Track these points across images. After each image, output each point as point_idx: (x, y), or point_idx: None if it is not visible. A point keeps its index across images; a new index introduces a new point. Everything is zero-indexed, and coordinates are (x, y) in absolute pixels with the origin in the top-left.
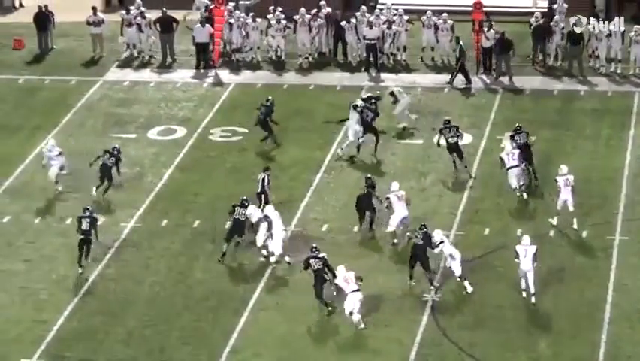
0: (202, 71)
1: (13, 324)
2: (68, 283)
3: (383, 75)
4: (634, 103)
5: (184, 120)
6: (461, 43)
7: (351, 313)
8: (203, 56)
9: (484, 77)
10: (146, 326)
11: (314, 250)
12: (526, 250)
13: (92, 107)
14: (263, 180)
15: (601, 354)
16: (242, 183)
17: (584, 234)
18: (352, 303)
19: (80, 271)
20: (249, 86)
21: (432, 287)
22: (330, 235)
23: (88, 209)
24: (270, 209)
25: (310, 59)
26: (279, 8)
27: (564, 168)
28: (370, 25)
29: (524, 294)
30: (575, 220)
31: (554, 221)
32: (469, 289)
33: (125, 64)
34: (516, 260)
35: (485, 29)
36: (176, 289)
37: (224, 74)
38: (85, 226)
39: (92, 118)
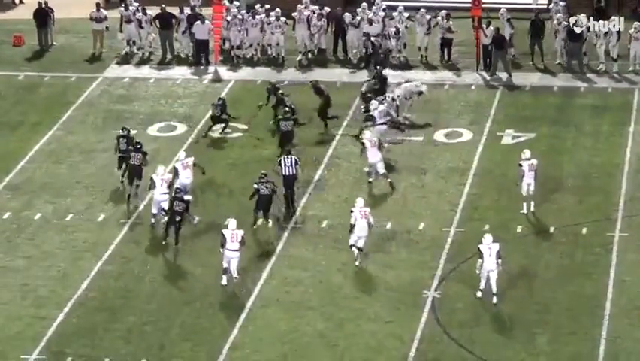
0: (202, 67)
1: (13, 321)
2: (68, 280)
3: (384, 72)
4: (634, 99)
5: (184, 117)
6: (372, 40)
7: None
8: (204, 53)
9: (484, 73)
10: (146, 323)
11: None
12: (490, 249)
13: (92, 103)
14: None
15: (601, 351)
16: (242, 179)
17: (584, 230)
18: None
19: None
20: (249, 82)
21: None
22: (330, 231)
23: (126, 128)
24: None
25: (309, 55)
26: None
27: (527, 153)
28: (370, 21)
29: (479, 294)
30: (532, 203)
31: (524, 209)
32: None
33: (125, 60)
34: (479, 260)
35: (484, 26)
36: (176, 285)
37: (224, 71)
38: (123, 146)
39: (92, 114)
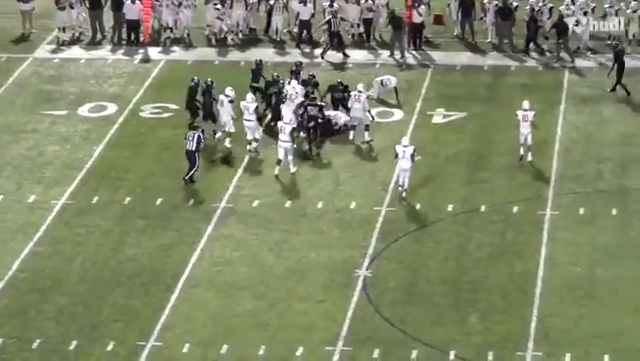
0: (132, 47)
1: None
2: None
3: (316, 51)
4: (564, 78)
5: (115, 97)
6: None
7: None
8: (134, 33)
9: (414, 52)
10: (77, 303)
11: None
12: (404, 151)
13: (22, 84)
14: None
15: (532, 328)
16: (172, 160)
17: (515, 209)
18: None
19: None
20: (180, 62)
21: None
22: (262, 210)
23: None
24: None
25: (240, 35)
26: None
27: (525, 104)
28: (304, 1)
29: (400, 190)
30: (529, 154)
31: (521, 151)
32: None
33: (55, 41)
34: (395, 160)
35: (417, 4)
36: (107, 265)
37: (155, 51)
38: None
39: (22, 95)
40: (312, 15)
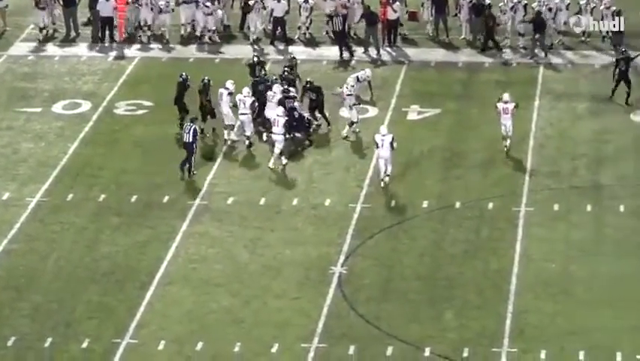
0: (106, 44)
1: None
2: None
3: (291, 48)
4: (539, 74)
5: (89, 94)
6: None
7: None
8: (109, 30)
9: (389, 49)
10: (52, 301)
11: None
12: (382, 140)
13: None
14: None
15: (507, 325)
16: (147, 157)
17: (490, 205)
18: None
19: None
20: (154, 59)
21: None
22: (236, 207)
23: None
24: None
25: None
26: None
27: (506, 96)
28: None
29: (382, 175)
30: (508, 142)
31: (507, 142)
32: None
33: (29, 38)
34: (375, 148)
35: (391, 1)
36: (81, 263)
37: (129, 48)
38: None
39: None
40: (287, 12)
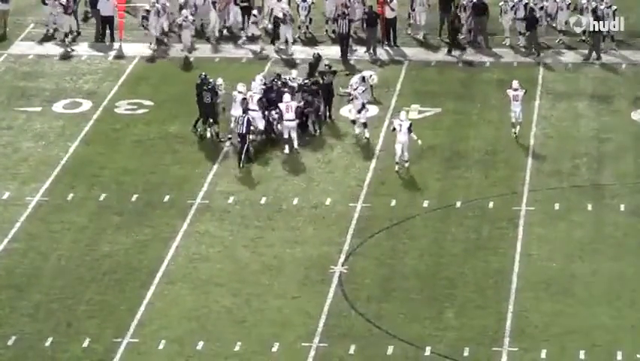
0: (107, 44)
1: None
2: None
3: (292, 48)
4: (539, 74)
5: (89, 93)
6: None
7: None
8: (109, 29)
9: (388, 48)
10: (53, 300)
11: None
12: (401, 125)
13: None
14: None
15: (507, 325)
16: (147, 156)
17: (490, 205)
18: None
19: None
20: (155, 59)
21: None
22: (237, 207)
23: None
24: None
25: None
26: None
27: (515, 84)
28: None
29: (397, 159)
30: (517, 128)
31: (517, 129)
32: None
33: (30, 37)
34: (393, 131)
35: (389, 0)
36: (82, 262)
37: (129, 47)
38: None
39: None
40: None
